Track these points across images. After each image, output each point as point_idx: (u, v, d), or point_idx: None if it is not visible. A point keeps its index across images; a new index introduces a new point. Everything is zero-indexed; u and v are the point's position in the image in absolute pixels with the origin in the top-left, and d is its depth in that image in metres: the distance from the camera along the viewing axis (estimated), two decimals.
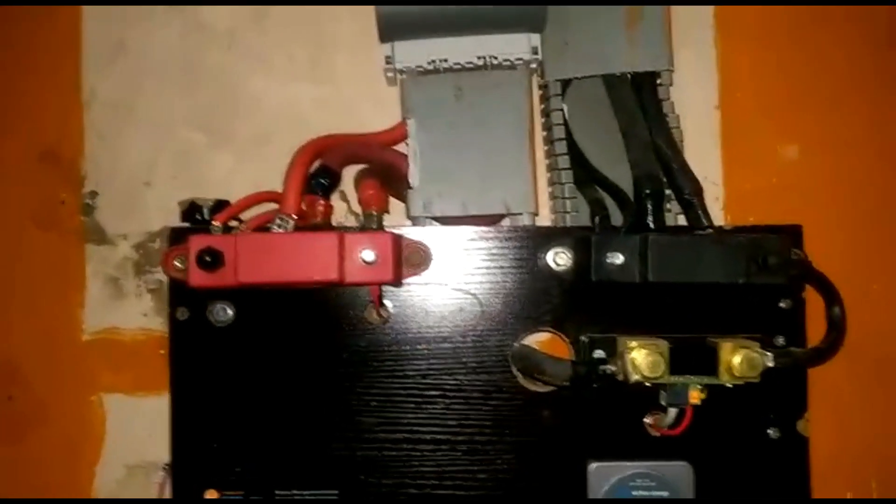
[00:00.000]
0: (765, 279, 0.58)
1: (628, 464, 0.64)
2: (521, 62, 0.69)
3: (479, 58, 0.68)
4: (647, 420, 0.65)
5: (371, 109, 0.76)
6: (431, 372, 0.65)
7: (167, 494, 0.66)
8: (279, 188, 0.68)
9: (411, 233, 0.65)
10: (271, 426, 0.65)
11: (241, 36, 0.77)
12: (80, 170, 0.77)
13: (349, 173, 0.71)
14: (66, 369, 0.76)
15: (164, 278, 0.75)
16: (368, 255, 0.59)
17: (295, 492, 0.61)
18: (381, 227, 0.64)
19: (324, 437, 0.65)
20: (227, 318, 0.66)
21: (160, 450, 0.72)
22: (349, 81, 0.77)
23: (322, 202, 0.63)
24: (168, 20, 0.78)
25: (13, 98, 0.77)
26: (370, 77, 0.76)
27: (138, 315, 0.76)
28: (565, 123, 0.68)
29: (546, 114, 0.70)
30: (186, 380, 0.66)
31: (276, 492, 0.61)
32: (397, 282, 0.63)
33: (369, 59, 0.75)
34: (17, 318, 0.76)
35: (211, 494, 0.61)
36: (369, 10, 0.69)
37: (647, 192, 0.63)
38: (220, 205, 0.68)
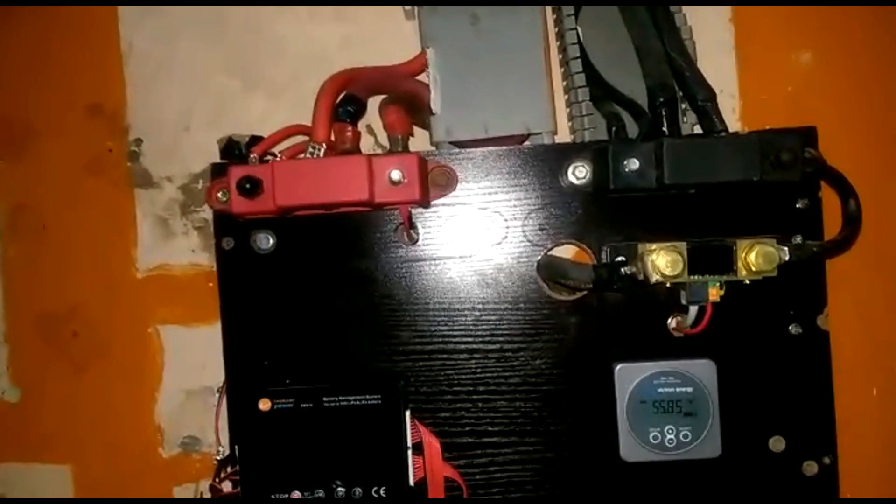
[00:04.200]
0: (779, 176, 0.58)
1: (652, 363, 0.66)
2: None
3: None
4: (669, 322, 0.67)
5: (392, 45, 0.76)
6: (461, 286, 0.68)
7: (223, 411, 0.70)
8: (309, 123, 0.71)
9: (437, 156, 0.67)
10: (315, 342, 0.68)
11: None
12: (124, 119, 0.79)
13: (374, 109, 0.73)
14: (123, 305, 0.80)
15: (209, 216, 0.79)
16: (396, 175, 0.61)
17: (341, 398, 0.64)
18: (405, 152, 0.66)
19: (364, 351, 0.68)
20: (269, 245, 0.69)
21: (214, 375, 0.76)
22: (369, 19, 0.78)
23: (350, 129, 0.65)
24: None
25: (59, 58, 0.80)
26: (390, 14, 0.77)
27: (187, 251, 0.80)
28: (579, 43, 0.69)
29: (560, 35, 0.71)
30: (235, 304, 0.69)
31: (323, 399, 0.64)
32: (425, 203, 0.65)
33: None
34: (77, 261, 0.80)
35: (264, 404, 0.64)
36: None
37: (661, 100, 0.63)
38: (254, 140, 0.70)
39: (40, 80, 0.80)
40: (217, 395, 0.73)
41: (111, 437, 0.80)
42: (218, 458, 0.69)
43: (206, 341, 0.78)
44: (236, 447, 0.66)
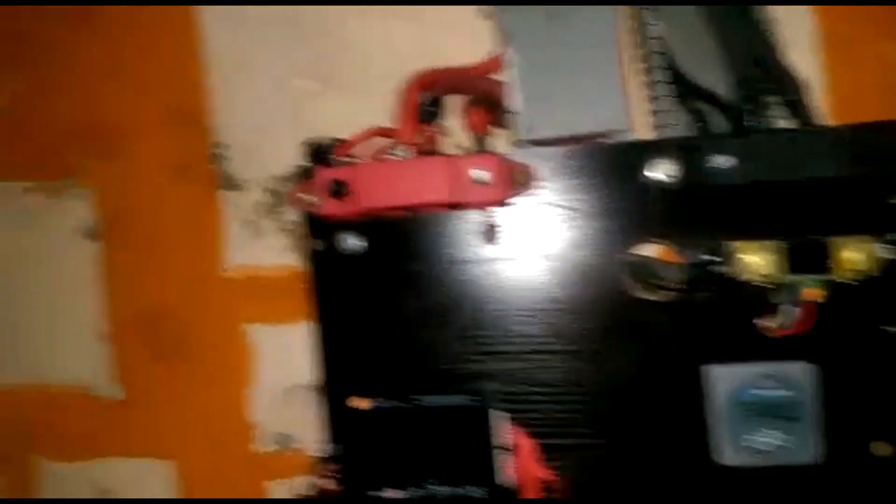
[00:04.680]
0: (872, 171, 0.56)
1: (749, 366, 0.64)
2: None
3: None
4: (762, 322, 0.65)
5: (464, 44, 0.76)
6: (544, 286, 0.67)
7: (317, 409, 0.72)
8: (386, 124, 0.71)
9: (516, 155, 0.66)
10: (405, 342, 0.69)
11: None
12: (210, 124, 0.82)
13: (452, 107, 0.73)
14: (214, 305, 0.82)
15: (295, 217, 0.81)
16: (478, 174, 0.61)
17: (434, 398, 0.65)
18: (487, 151, 0.66)
19: (452, 352, 0.68)
20: (358, 246, 0.69)
21: (304, 373, 0.78)
22: (442, 18, 0.78)
23: (430, 130, 0.65)
24: None
25: (145, 63, 0.83)
26: (462, 13, 0.77)
27: (274, 252, 0.82)
28: (660, 38, 0.67)
29: (640, 30, 0.69)
30: (327, 304, 0.70)
31: (417, 399, 0.65)
32: (506, 201, 0.65)
33: None
34: (169, 262, 0.83)
35: (362, 403, 0.66)
36: None
37: (749, 95, 0.61)
38: (338, 143, 0.71)
39: (128, 85, 0.83)
40: (310, 392, 0.75)
41: (209, 433, 0.83)
42: (317, 454, 0.71)
43: (294, 340, 0.80)
44: (334, 445, 0.67)
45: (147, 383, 0.84)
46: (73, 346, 0.84)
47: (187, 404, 0.83)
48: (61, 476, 0.86)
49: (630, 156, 0.65)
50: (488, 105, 0.67)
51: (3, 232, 0.84)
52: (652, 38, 0.67)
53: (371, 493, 0.66)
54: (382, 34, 0.78)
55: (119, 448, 0.85)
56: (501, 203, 0.65)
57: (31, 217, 0.84)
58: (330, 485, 0.69)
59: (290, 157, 0.79)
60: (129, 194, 0.83)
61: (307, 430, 0.81)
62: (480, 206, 0.64)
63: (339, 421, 0.67)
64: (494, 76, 0.71)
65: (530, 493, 0.65)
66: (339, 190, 0.62)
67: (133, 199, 0.83)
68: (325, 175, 0.63)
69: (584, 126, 0.67)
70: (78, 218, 0.84)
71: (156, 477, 0.84)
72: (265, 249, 0.82)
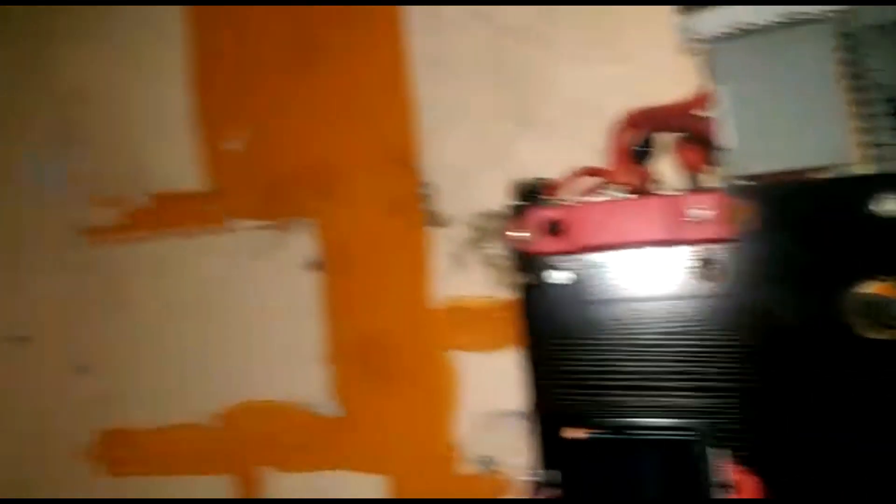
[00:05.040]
0: None
1: None
2: (828, 15, 0.67)
3: (782, 16, 0.67)
4: None
5: (666, 81, 0.77)
6: (763, 325, 0.66)
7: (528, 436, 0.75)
8: (589, 163, 0.74)
9: (731, 192, 0.66)
10: (615, 374, 0.71)
11: (538, 29, 0.83)
12: (419, 165, 0.88)
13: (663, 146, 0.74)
14: (423, 333, 0.88)
15: (498, 251, 0.85)
16: (697, 212, 0.62)
17: (651, 432, 0.66)
18: (703, 188, 0.66)
19: (667, 386, 0.69)
20: (566, 280, 0.72)
21: (506, 399, 0.82)
22: (640, 56, 0.80)
23: (644, 169, 0.67)
24: (475, 27, 0.86)
25: (362, 110, 0.91)
26: (660, 49, 0.78)
27: (478, 284, 0.86)
28: (880, 70, 0.65)
29: (856, 62, 0.67)
30: (536, 336, 0.73)
31: (633, 432, 0.66)
32: (725, 239, 0.65)
33: (658, 32, 0.78)
34: (382, 292, 0.90)
35: (578, 433, 0.68)
36: None
37: None
38: (546, 183, 0.75)
39: (346, 129, 0.91)
40: (512, 417, 0.79)
41: (417, 452, 0.88)
42: (530, 479, 0.74)
43: (497, 367, 0.84)
44: (548, 471, 0.70)
45: (362, 403, 0.91)
46: (297, 367, 0.93)
47: (398, 424, 0.89)
48: (284, 485, 0.94)
49: (854, 190, 0.63)
50: (699, 142, 0.68)
51: (239, 264, 0.95)
52: (871, 70, 0.65)
53: None
54: (587, 76, 0.81)
55: (336, 462, 0.92)
56: (719, 240, 0.65)
57: (263, 251, 0.94)
58: None
59: (494, 196, 0.84)
60: (347, 230, 0.91)
61: (510, 453, 0.84)
62: (698, 243, 0.65)
63: (552, 448, 0.70)
64: (704, 112, 0.72)
65: None
66: (554, 228, 0.66)
67: (351, 234, 0.91)
68: (541, 214, 0.66)
69: (802, 160, 0.66)
70: (303, 251, 0.93)
71: (369, 491, 0.90)
72: (469, 281, 0.86)
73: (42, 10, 1.04)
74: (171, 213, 0.98)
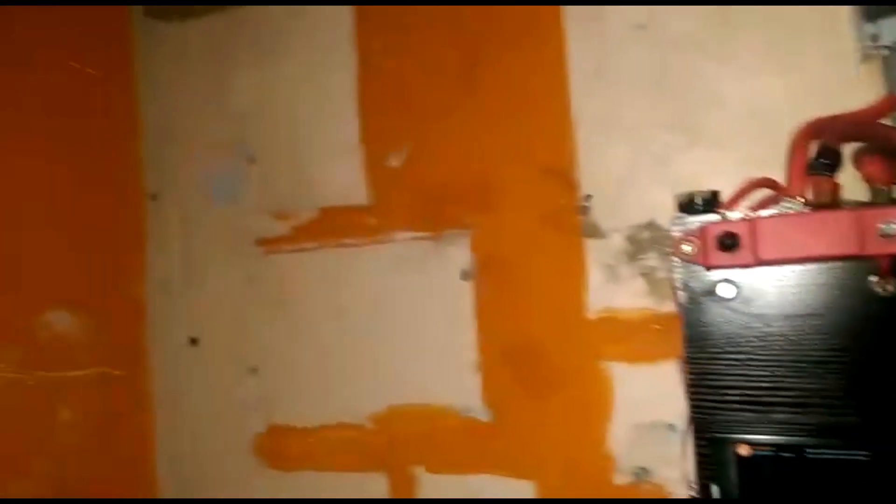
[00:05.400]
0: None
1: None
2: None
3: None
4: None
5: (844, 89, 0.75)
6: None
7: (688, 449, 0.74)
8: (752, 176, 0.72)
9: None
10: (782, 390, 0.68)
11: (706, 39, 0.82)
12: (575, 178, 0.89)
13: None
14: (576, 343, 0.89)
15: (654, 263, 0.84)
16: (889, 228, 0.60)
17: (825, 451, 0.64)
18: (890, 200, 0.63)
19: (839, 403, 0.66)
20: (733, 293, 0.71)
21: (664, 410, 0.81)
22: (815, 66, 0.77)
23: (828, 181, 0.65)
24: (636, 39, 0.86)
25: (518, 126, 0.93)
26: (838, 57, 0.75)
27: (633, 296, 0.86)
28: None
29: None
30: (700, 349, 0.72)
31: (807, 450, 0.64)
32: None
33: (836, 40, 0.75)
34: (537, 302, 0.91)
35: (744, 450, 0.66)
36: None
37: None
38: (713, 195, 0.73)
39: (504, 145, 0.93)
40: (676, 431, 0.78)
41: (568, 460, 0.89)
42: (693, 495, 0.73)
43: (651, 379, 0.83)
44: (712, 486, 0.68)
45: (513, 409, 0.92)
46: (451, 373, 0.95)
47: (548, 431, 0.90)
48: (436, 485, 0.97)
49: None
50: (885, 153, 0.65)
51: (397, 274, 0.99)
52: None
53: None
54: (758, 86, 0.79)
55: (486, 465, 0.94)
56: None
57: (421, 261, 0.98)
58: None
59: (654, 208, 0.84)
60: (503, 241, 0.93)
61: (665, 465, 0.83)
62: (884, 258, 0.62)
63: (712, 463, 0.68)
64: (889, 121, 0.69)
65: None
66: (728, 242, 0.65)
67: (505, 245, 0.93)
68: (717, 228, 0.65)
69: None
70: (459, 262, 0.95)
71: (517, 495, 0.92)
72: (624, 293, 0.86)
73: (223, 36, 1.12)
74: (337, 225, 1.03)
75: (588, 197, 0.88)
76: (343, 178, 1.02)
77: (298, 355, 1.05)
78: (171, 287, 1.15)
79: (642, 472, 0.85)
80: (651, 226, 0.85)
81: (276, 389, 1.07)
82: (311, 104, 1.06)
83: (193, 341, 1.14)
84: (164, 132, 1.17)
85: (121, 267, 1.12)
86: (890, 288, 0.65)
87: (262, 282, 1.08)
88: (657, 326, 0.84)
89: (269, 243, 1.08)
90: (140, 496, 1.12)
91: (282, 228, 1.07)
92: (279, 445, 1.07)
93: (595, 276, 0.88)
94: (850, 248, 0.60)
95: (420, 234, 0.98)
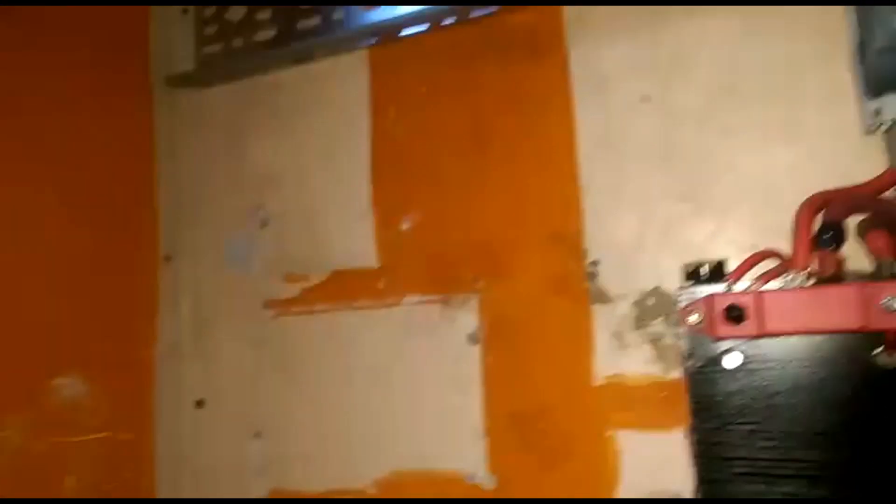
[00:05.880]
0: None
1: None
2: None
3: None
4: None
5: (844, 162, 0.75)
6: None
7: None
8: (759, 246, 0.73)
9: None
10: (792, 460, 0.67)
11: (712, 111, 0.84)
12: (583, 244, 0.89)
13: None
14: (583, 409, 0.87)
15: (660, 330, 0.84)
16: (892, 303, 0.59)
17: None
18: (893, 275, 0.63)
19: (844, 475, 0.65)
20: (737, 362, 0.70)
21: (671, 479, 0.79)
22: (818, 138, 0.78)
23: (832, 255, 0.65)
24: (644, 111, 0.88)
25: (526, 192, 0.93)
26: (839, 131, 0.76)
27: (640, 362, 0.85)
28: None
29: None
30: (705, 418, 0.71)
31: None
32: None
33: (837, 114, 0.76)
34: (543, 368, 0.90)
35: None
36: (836, 70, 0.72)
37: None
38: (719, 265, 0.74)
39: (513, 211, 0.94)
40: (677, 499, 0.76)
41: None
42: None
43: (660, 447, 0.81)
44: None
45: (518, 476, 0.91)
46: (457, 438, 0.94)
47: (553, 498, 0.88)
48: None
49: None
50: (890, 226, 0.65)
51: (406, 337, 0.99)
52: None
53: None
54: (763, 159, 0.80)
55: None
56: None
57: (429, 325, 0.97)
58: None
59: (658, 275, 0.84)
60: (510, 305, 0.93)
61: None
62: (889, 332, 0.62)
63: None
64: (889, 195, 0.69)
65: None
66: (735, 313, 0.64)
67: (513, 309, 0.93)
68: (723, 300, 0.65)
69: None
70: (466, 326, 0.95)
71: None
72: (632, 360, 0.86)
73: (241, 103, 1.15)
74: (346, 287, 1.03)
75: (595, 263, 0.88)
76: (354, 241, 1.03)
77: (303, 419, 1.04)
78: (181, 349, 1.15)
79: None
80: (657, 292, 0.85)
81: (279, 454, 1.06)
82: (324, 170, 1.07)
83: (199, 403, 1.13)
84: (180, 195, 1.18)
85: (132, 330, 1.12)
86: (894, 360, 0.64)
87: (270, 344, 1.08)
88: (664, 394, 0.83)
89: (278, 305, 1.08)
90: None
91: (292, 291, 1.07)
92: None
93: (602, 342, 0.87)
94: (855, 323, 0.60)
95: (428, 297, 0.98)
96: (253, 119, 1.14)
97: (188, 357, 1.15)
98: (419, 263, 0.99)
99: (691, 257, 0.76)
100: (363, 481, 0.99)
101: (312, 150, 1.09)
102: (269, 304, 1.09)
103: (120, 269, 1.11)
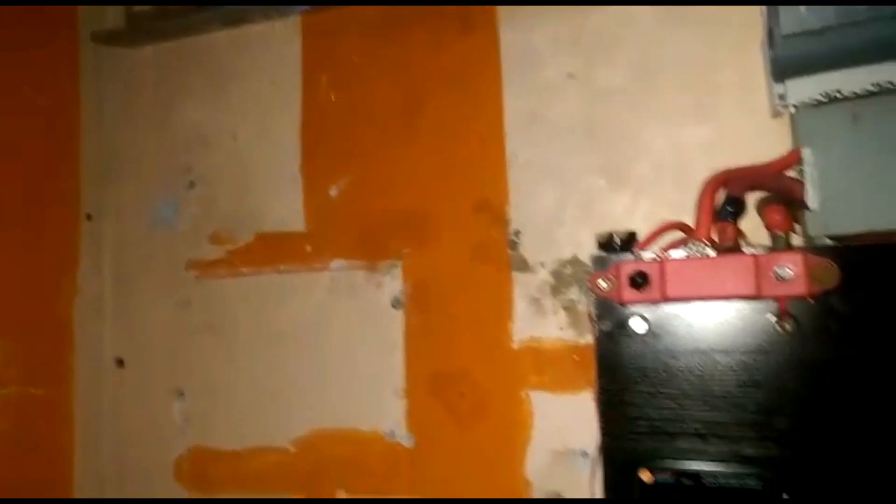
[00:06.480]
0: None
1: None
2: None
3: (874, 85, 0.68)
4: None
5: (755, 143, 0.79)
6: (836, 381, 0.66)
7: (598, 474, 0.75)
8: (672, 220, 0.76)
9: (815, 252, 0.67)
10: (687, 421, 0.71)
11: (632, 91, 0.86)
12: (506, 215, 0.91)
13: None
14: (500, 372, 0.90)
15: (575, 297, 0.87)
16: (783, 271, 0.63)
17: (721, 479, 0.66)
18: (788, 247, 0.67)
19: (737, 435, 0.69)
20: (643, 328, 0.73)
21: (579, 438, 0.83)
22: (730, 120, 0.82)
23: (731, 228, 0.68)
24: (569, 90, 0.90)
25: (457, 165, 0.94)
26: (752, 113, 0.80)
27: (555, 327, 0.88)
28: None
29: None
30: (612, 379, 0.74)
31: (703, 479, 0.66)
32: (807, 296, 0.66)
33: (749, 98, 0.80)
34: (465, 333, 0.92)
35: (646, 476, 0.68)
36: (750, 56, 0.75)
37: None
38: (631, 236, 0.76)
39: (440, 180, 0.95)
40: (582, 457, 0.79)
41: (487, 485, 0.89)
42: None
43: (571, 407, 0.85)
44: None
45: (436, 435, 0.93)
46: (378, 398, 0.95)
47: (470, 456, 0.91)
48: None
49: None
50: (786, 202, 0.69)
51: (331, 301, 0.99)
52: None
53: None
54: (679, 138, 0.83)
55: (407, 489, 0.94)
56: (801, 297, 0.65)
57: (354, 289, 0.98)
58: None
59: (578, 246, 0.87)
60: (434, 272, 0.94)
61: (577, 491, 0.84)
62: (780, 299, 0.66)
63: (619, 489, 0.70)
64: (790, 173, 0.73)
65: None
66: (639, 280, 0.67)
67: (437, 276, 0.94)
68: (629, 267, 0.68)
69: (887, 222, 0.67)
70: (391, 291, 0.96)
71: None
72: (548, 325, 0.88)
73: (170, 64, 1.12)
74: (273, 251, 1.02)
75: (518, 232, 0.90)
76: (282, 205, 1.02)
77: (226, 379, 1.03)
78: (102, 308, 1.12)
79: (556, 497, 0.86)
80: (574, 261, 0.87)
81: (201, 413, 1.05)
82: (254, 134, 1.06)
83: (120, 362, 1.10)
84: (105, 154, 1.15)
85: (50, 286, 1.08)
86: (787, 327, 0.68)
87: (194, 306, 1.07)
88: (576, 357, 0.86)
89: (203, 267, 1.07)
90: None
91: (217, 252, 1.06)
92: (201, 468, 1.04)
93: (521, 308, 0.90)
94: (749, 290, 0.64)
95: (355, 262, 0.98)
96: (183, 81, 1.11)
97: (109, 316, 1.12)
98: (347, 229, 0.99)
99: (608, 229, 0.78)
100: (283, 439, 0.99)
101: (243, 114, 1.07)
102: (193, 264, 1.07)
103: (39, 225, 1.07)
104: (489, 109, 0.93)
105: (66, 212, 1.12)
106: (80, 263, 1.12)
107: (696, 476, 0.67)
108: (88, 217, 1.13)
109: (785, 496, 0.65)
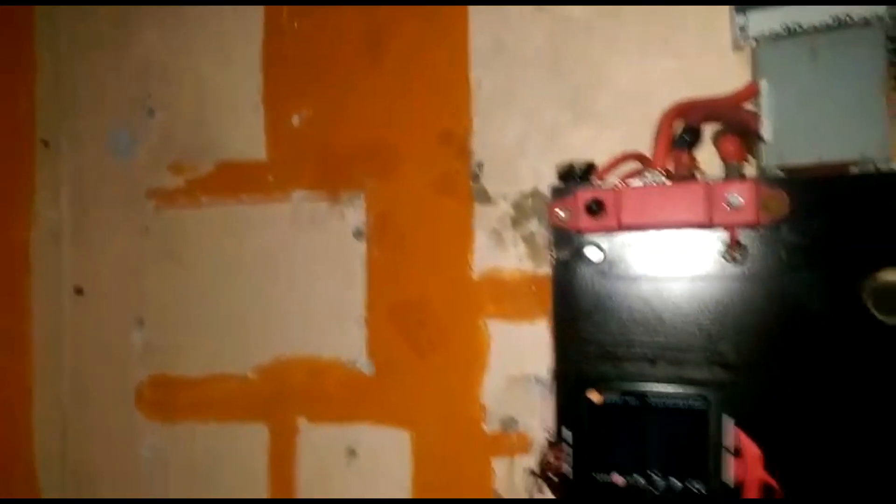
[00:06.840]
0: None
1: None
2: (876, 18, 0.68)
3: (833, 18, 0.68)
4: None
5: (715, 76, 0.79)
6: (783, 307, 0.67)
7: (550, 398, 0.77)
8: (635, 150, 0.75)
9: (767, 182, 0.68)
10: (638, 345, 0.72)
11: (599, 24, 0.85)
12: (469, 146, 0.90)
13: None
14: (460, 301, 0.90)
15: (535, 229, 0.87)
16: (734, 199, 0.64)
17: (666, 399, 0.68)
18: (741, 176, 0.68)
19: (685, 359, 0.71)
20: (599, 256, 0.74)
21: (533, 365, 0.84)
22: (694, 53, 0.81)
23: (687, 156, 0.69)
24: (538, 18, 0.88)
25: (419, 93, 0.93)
26: (713, 46, 0.79)
27: (514, 259, 0.88)
28: None
29: None
30: (567, 306, 0.75)
31: (650, 399, 0.68)
32: (757, 225, 0.67)
33: (712, 32, 0.79)
34: (426, 263, 0.92)
35: (595, 396, 0.70)
36: None
37: None
38: (590, 166, 0.76)
39: (404, 111, 0.94)
40: (537, 382, 0.81)
41: (444, 410, 0.91)
42: (545, 438, 0.76)
43: (527, 336, 0.86)
44: (565, 431, 0.72)
45: (396, 363, 0.93)
46: (338, 327, 0.95)
47: (428, 383, 0.92)
48: (317, 434, 0.97)
49: (885, 185, 0.65)
50: (740, 134, 0.70)
51: (292, 231, 0.98)
52: None
53: (598, 476, 0.70)
54: (642, 70, 0.83)
55: (366, 415, 0.95)
56: (752, 226, 0.66)
57: (316, 220, 0.97)
58: (560, 466, 0.73)
59: (538, 177, 0.86)
60: (397, 203, 0.93)
61: (531, 415, 0.86)
62: (731, 228, 0.67)
63: (570, 411, 0.72)
64: (747, 106, 0.73)
65: (751, 494, 0.66)
66: (594, 208, 0.68)
67: (400, 207, 0.93)
68: (586, 195, 0.68)
69: (839, 154, 0.67)
70: (353, 222, 0.95)
71: (395, 444, 0.93)
72: (508, 256, 0.89)
73: None
74: (234, 180, 1.01)
75: (480, 164, 0.90)
76: (243, 134, 1.00)
77: (187, 308, 1.02)
78: (60, 236, 1.10)
79: (510, 421, 0.88)
80: (535, 194, 0.87)
81: (161, 341, 1.04)
82: (215, 62, 1.03)
83: (79, 291, 1.08)
84: (61, 81, 1.10)
85: (6, 213, 1.05)
86: (737, 256, 0.70)
87: (154, 235, 1.05)
88: (534, 288, 0.87)
89: (163, 196, 1.05)
90: (15, 447, 1.06)
91: (177, 182, 1.04)
92: (162, 396, 1.04)
93: (481, 239, 0.90)
94: (701, 218, 0.64)
95: (317, 192, 0.97)
96: (141, 7, 1.07)
97: (67, 244, 1.09)
98: (308, 159, 0.98)
99: (570, 159, 0.78)
100: (244, 366, 1.00)
101: (203, 42, 1.04)
102: (153, 193, 1.05)
103: None
104: (455, 39, 0.91)
105: (21, 138, 1.08)
106: (36, 191, 1.09)
107: (642, 396, 0.69)
108: (45, 144, 1.10)
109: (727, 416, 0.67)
